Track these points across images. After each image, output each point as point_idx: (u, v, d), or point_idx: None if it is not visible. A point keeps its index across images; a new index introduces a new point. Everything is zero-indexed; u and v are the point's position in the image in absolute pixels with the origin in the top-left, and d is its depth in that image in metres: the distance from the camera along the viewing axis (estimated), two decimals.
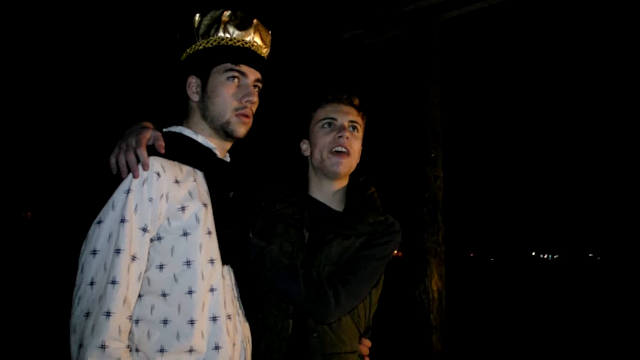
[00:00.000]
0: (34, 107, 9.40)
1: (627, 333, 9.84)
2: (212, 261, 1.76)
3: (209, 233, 1.77)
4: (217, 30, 1.86)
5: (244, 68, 1.86)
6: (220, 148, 1.91)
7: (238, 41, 1.87)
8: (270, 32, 1.99)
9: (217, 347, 1.73)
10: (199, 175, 1.83)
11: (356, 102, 2.22)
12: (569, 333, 9.96)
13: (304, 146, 2.24)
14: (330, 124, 2.16)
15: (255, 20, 1.92)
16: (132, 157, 1.66)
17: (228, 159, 1.97)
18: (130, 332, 1.65)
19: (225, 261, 1.82)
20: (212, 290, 1.76)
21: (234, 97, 1.85)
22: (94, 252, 1.60)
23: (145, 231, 1.65)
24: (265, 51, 1.95)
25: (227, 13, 1.88)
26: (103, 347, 1.51)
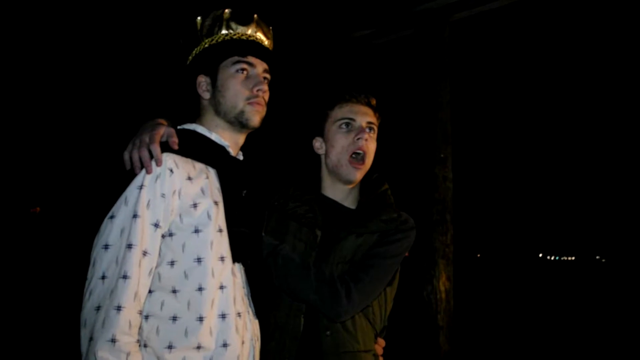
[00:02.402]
0: (42, 103, 9.44)
1: (633, 335, 9.80)
2: (222, 259, 1.77)
3: (220, 231, 1.77)
4: (220, 28, 1.89)
5: (251, 59, 1.88)
6: (233, 145, 1.91)
7: (242, 35, 1.89)
8: (270, 27, 2.01)
9: (225, 345, 1.73)
10: (212, 172, 1.83)
11: (373, 102, 2.19)
12: (575, 334, 9.93)
13: (317, 144, 2.21)
14: (348, 124, 2.13)
15: (255, 16, 1.94)
16: (145, 154, 1.68)
17: (241, 157, 1.98)
18: (140, 328, 1.66)
19: (235, 259, 1.82)
20: (221, 287, 1.76)
21: (245, 88, 1.86)
22: (106, 247, 1.61)
23: (157, 227, 1.66)
24: (267, 44, 1.97)
25: (227, 11, 1.91)
26: (113, 340, 1.52)
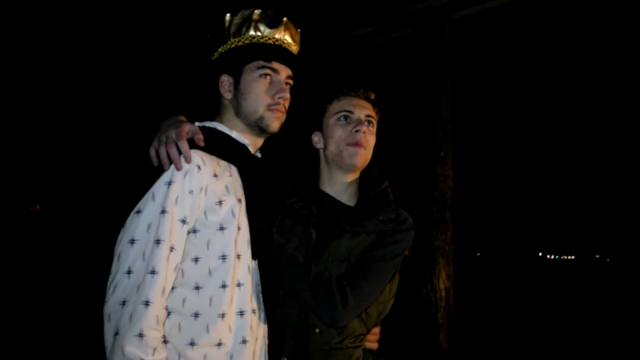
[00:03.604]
0: (43, 102, 9.43)
1: (633, 334, 9.80)
2: (239, 256, 1.78)
3: (239, 229, 1.78)
4: (248, 29, 1.88)
5: (275, 65, 1.88)
6: (252, 144, 1.93)
7: (269, 39, 1.89)
8: (299, 30, 2.00)
9: (244, 341, 1.76)
10: (234, 170, 1.85)
11: (372, 96, 2.18)
12: (575, 333, 9.93)
13: (316, 138, 2.20)
14: (346, 117, 2.11)
15: (284, 19, 1.93)
16: (173, 150, 1.69)
17: (259, 155, 1.99)
18: None
19: (255, 256, 1.84)
20: (239, 285, 1.78)
21: (267, 94, 1.86)
22: (132, 242, 1.61)
23: (184, 223, 1.67)
24: (295, 49, 1.97)
25: (257, 12, 1.90)
26: (141, 335, 1.53)
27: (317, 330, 1.99)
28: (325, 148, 2.16)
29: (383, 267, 2.02)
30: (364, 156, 2.10)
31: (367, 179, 2.21)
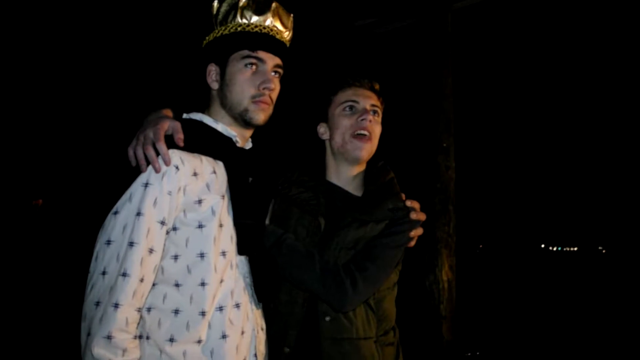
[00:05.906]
0: (44, 94, 9.41)
1: (635, 326, 9.81)
2: (223, 253, 1.77)
3: (221, 226, 1.77)
4: (234, 17, 1.84)
5: (261, 54, 1.84)
6: (240, 136, 1.90)
7: (256, 27, 1.84)
8: (291, 15, 1.96)
9: (224, 336, 1.74)
10: (220, 164, 1.82)
11: (377, 86, 2.21)
12: (577, 325, 9.94)
13: (322, 129, 2.22)
14: (351, 108, 2.14)
15: (274, 4, 1.89)
16: (151, 152, 1.65)
17: (249, 145, 1.96)
18: (142, 319, 1.67)
19: (241, 252, 1.82)
20: (221, 281, 1.76)
21: (251, 85, 1.82)
22: (109, 242, 1.61)
23: (163, 224, 1.66)
24: (286, 35, 1.93)
25: None
26: (109, 337, 1.53)
27: (327, 318, 2.00)
28: (331, 139, 2.18)
29: (390, 254, 2.04)
30: (368, 149, 2.13)
31: (373, 170, 2.24)
